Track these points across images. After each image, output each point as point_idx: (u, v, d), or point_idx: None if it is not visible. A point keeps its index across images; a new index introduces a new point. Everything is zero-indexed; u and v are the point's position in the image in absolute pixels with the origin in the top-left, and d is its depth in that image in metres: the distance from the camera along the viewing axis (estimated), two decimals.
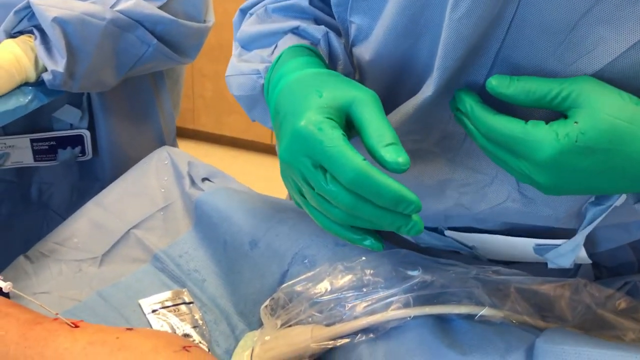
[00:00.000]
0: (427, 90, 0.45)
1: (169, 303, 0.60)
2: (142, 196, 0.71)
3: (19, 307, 0.50)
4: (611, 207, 0.46)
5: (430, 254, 0.56)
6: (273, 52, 0.52)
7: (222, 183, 0.71)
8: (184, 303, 0.60)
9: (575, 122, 0.38)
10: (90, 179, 0.89)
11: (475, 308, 0.49)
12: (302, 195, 0.44)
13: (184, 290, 0.62)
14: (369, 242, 0.43)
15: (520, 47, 0.42)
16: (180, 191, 0.71)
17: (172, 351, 0.42)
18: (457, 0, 0.40)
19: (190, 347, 0.43)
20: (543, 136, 0.39)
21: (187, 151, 0.77)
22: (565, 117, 0.40)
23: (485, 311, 0.49)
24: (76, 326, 0.46)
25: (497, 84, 0.41)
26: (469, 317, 0.49)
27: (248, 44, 0.57)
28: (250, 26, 0.57)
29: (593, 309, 0.51)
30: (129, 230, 0.67)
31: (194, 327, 0.58)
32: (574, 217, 0.49)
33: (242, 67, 0.55)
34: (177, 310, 0.59)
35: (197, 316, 0.59)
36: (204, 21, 0.84)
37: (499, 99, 0.42)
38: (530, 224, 0.51)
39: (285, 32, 0.53)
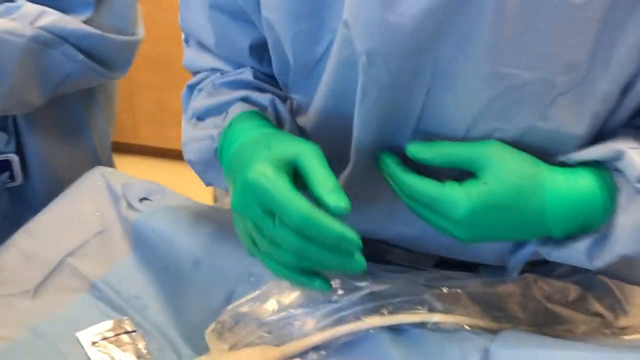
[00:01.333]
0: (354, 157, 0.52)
1: (109, 334, 0.56)
2: (76, 221, 0.67)
3: None
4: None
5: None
6: (225, 118, 0.56)
7: (161, 200, 0.68)
8: (126, 332, 0.57)
9: (485, 183, 0.44)
10: (22, 206, 0.84)
11: (427, 316, 0.48)
12: (254, 244, 0.46)
13: (125, 319, 0.59)
14: (317, 283, 0.45)
15: (434, 126, 0.48)
16: (116, 214, 0.68)
17: None
18: (364, 93, 0.47)
19: None
20: (457, 197, 0.45)
21: (130, 167, 0.74)
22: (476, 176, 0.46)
23: (437, 318, 0.48)
24: None
25: (415, 150, 0.48)
26: (422, 325, 0.48)
27: (202, 115, 0.60)
28: (202, 100, 0.60)
29: (544, 304, 0.51)
30: (63, 258, 0.63)
31: (138, 357, 0.55)
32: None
33: (196, 134, 0.59)
34: (118, 340, 0.56)
35: (140, 345, 0.56)
36: (133, 34, 0.81)
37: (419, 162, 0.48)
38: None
39: (235, 101, 0.57)
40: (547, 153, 0.47)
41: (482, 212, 0.44)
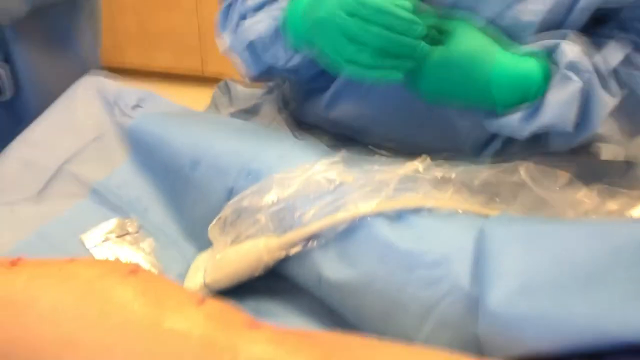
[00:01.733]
0: None
1: (113, 235, 0.58)
2: (71, 129, 0.67)
3: None
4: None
5: None
6: None
7: (153, 107, 0.68)
8: (129, 233, 0.59)
9: (448, 46, 0.56)
10: (13, 121, 0.83)
11: (421, 201, 0.49)
12: (339, 53, 0.56)
13: (127, 220, 0.60)
14: (394, 74, 0.56)
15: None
16: (111, 120, 0.68)
17: (118, 276, 0.41)
18: None
19: (137, 270, 0.42)
20: (428, 50, 0.56)
21: None
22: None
23: (432, 204, 0.49)
24: (14, 264, 0.44)
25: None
26: (417, 211, 0.49)
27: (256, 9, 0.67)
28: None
29: (534, 190, 0.52)
30: (61, 165, 0.64)
31: (142, 255, 0.57)
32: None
33: (254, 21, 0.66)
34: (123, 240, 0.58)
35: (144, 244, 0.58)
36: None
37: None
38: None
39: None
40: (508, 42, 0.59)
41: (442, 67, 0.56)
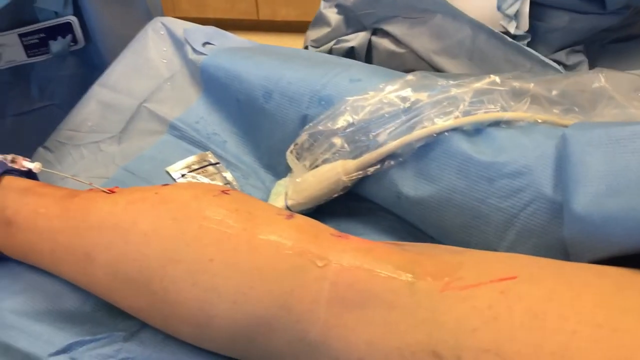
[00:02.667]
0: None
1: (195, 166, 0.60)
2: (145, 70, 0.70)
3: (53, 186, 0.51)
4: None
5: None
6: None
7: (223, 43, 0.69)
8: (211, 164, 0.61)
9: None
10: (87, 68, 0.87)
11: (499, 114, 0.49)
12: None
13: (207, 152, 0.62)
14: None
15: None
16: (182, 59, 0.70)
17: (211, 196, 0.43)
18: None
19: (229, 191, 0.44)
20: None
21: None
22: None
23: (510, 116, 0.49)
24: (112, 192, 0.47)
25: None
26: (495, 124, 0.49)
27: None
28: None
29: (615, 98, 0.51)
30: (140, 104, 0.67)
31: (225, 184, 0.59)
32: None
33: None
34: (205, 171, 0.60)
35: (225, 174, 0.60)
36: None
37: None
38: None
39: None
40: None
41: None
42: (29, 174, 0.53)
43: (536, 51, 0.67)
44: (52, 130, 0.70)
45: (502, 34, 0.68)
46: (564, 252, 0.42)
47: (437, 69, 0.74)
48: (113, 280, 0.43)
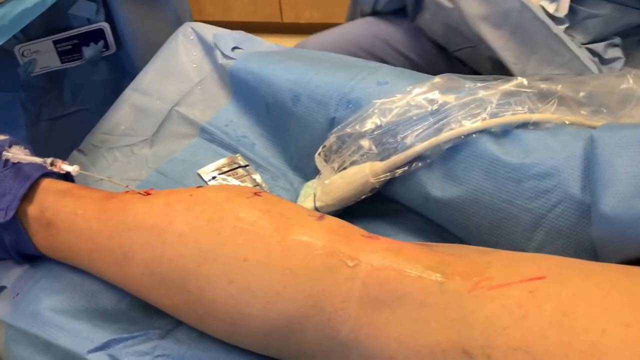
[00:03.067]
0: None
1: (226, 168, 0.62)
2: (176, 75, 0.71)
3: (90, 189, 0.53)
4: None
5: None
6: None
7: (251, 48, 0.71)
8: (240, 167, 0.62)
9: None
10: (119, 74, 0.89)
11: (526, 116, 0.49)
12: None
13: (237, 155, 0.64)
14: None
15: None
16: (212, 64, 0.71)
17: (244, 198, 0.44)
18: None
19: (260, 193, 0.45)
20: None
21: None
22: None
23: (537, 117, 0.49)
24: (148, 194, 0.48)
25: None
26: (523, 125, 0.49)
27: None
28: None
29: None
30: (171, 108, 0.68)
31: (255, 186, 0.60)
32: None
33: None
34: (235, 173, 0.61)
35: (255, 176, 0.61)
36: None
37: None
38: None
39: None
40: None
41: None
42: (66, 177, 0.55)
43: (573, 37, 0.68)
44: (84, 134, 0.72)
45: (549, 20, 0.69)
46: (593, 253, 0.43)
47: (478, 36, 0.75)
48: (150, 280, 0.45)
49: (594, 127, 0.49)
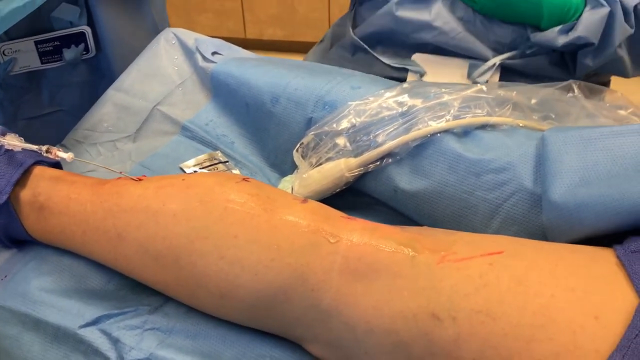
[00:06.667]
0: None
1: (207, 163, 0.66)
2: (158, 76, 0.75)
3: (82, 176, 0.56)
4: None
5: None
6: None
7: (231, 54, 0.75)
8: (220, 162, 0.66)
9: None
10: (96, 76, 0.92)
11: (485, 118, 0.55)
12: None
13: (217, 152, 0.68)
14: None
15: None
16: (192, 67, 0.75)
17: (234, 182, 0.48)
18: None
19: (248, 179, 0.50)
20: None
21: None
22: None
23: (495, 120, 0.55)
24: (140, 180, 0.52)
25: None
26: (482, 127, 0.55)
27: None
28: None
29: (586, 107, 0.58)
30: (153, 107, 0.72)
31: None
32: None
33: None
34: (215, 168, 0.65)
35: (234, 171, 0.65)
36: None
37: None
38: None
39: None
40: None
41: None
42: (57, 166, 0.58)
43: None
44: (60, 135, 0.74)
45: None
46: (543, 237, 0.49)
47: None
48: (142, 258, 0.48)
49: (543, 131, 0.55)
